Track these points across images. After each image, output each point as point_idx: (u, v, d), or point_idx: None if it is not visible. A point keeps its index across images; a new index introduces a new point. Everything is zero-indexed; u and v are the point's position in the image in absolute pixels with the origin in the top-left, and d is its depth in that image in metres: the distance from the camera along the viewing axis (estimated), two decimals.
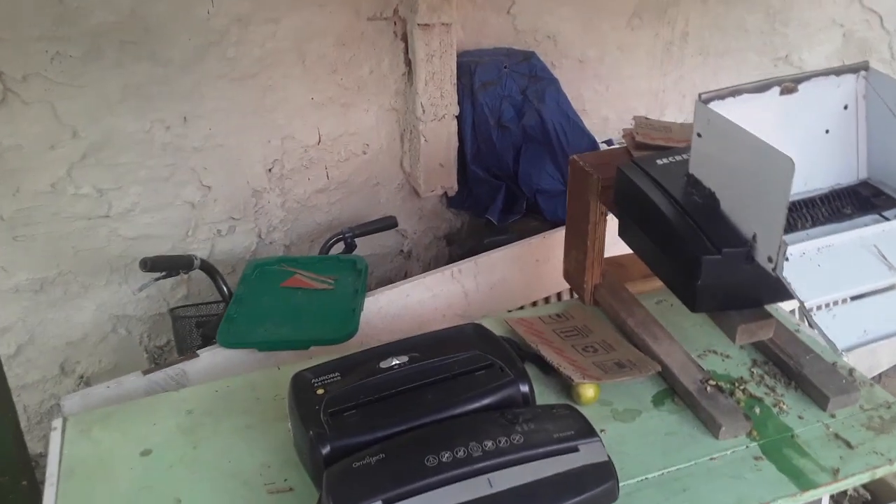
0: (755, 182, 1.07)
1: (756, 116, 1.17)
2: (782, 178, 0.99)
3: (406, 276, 2.71)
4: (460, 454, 1.07)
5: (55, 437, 1.34)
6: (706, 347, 1.48)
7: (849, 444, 1.23)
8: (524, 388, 1.24)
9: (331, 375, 1.27)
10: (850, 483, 1.19)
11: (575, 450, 1.09)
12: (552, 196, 2.30)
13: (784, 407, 1.32)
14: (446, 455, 1.06)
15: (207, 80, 2.19)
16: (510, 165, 2.33)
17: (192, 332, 2.13)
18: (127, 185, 2.23)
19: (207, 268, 1.97)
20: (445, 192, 2.48)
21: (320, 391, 1.23)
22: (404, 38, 2.31)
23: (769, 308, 1.21)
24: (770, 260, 1.06)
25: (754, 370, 1.41)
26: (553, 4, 2.53)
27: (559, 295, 2.18)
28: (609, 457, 1.08)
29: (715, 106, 1.16)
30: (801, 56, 3.00)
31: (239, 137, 2.29)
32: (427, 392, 1.23)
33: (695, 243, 1.12)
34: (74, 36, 2.01)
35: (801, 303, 1.03)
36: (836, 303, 1.06)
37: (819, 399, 1.31)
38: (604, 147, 2.42)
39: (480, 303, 2.04)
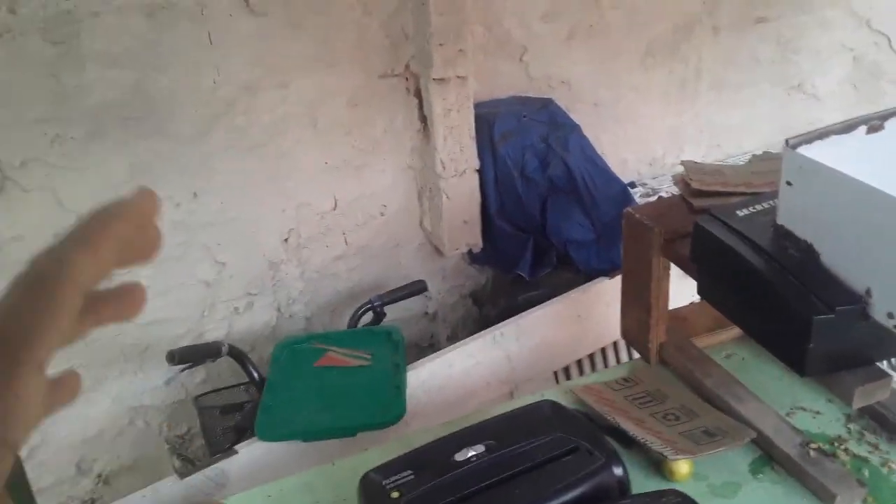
0: (866, 231, 0.97)
1: (844, 156, 1.08)
2: None
3: (432, 337, 2.60)
4: None
5: None
6: (793, 404, 1.38)
7: None
8: (619, 472, 1.12)
9: (403, 475, 1.15)
10: None
11: None
12: (584, 246, 2.21)
13: (894, 466, 1.21)
14: None
15: (216, 153, 2.09)
16: (537, 217, 2.25)
17: (220, 420, 2.00)
18: (136, 270, 2.10)
19: (236, 353, 1.85)
20: (469, 249, 2.39)
21: (395, 495, 1.11)
22: (417, 94, 2.24)
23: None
24: (891, 316, 0.96)
25: (850, 426, 1.31)
26: (565, 49, 2.47)
27: (603, 350, 2.08)
28: None
29: (804, 150, 1.07)
30: (813, 83, 2.97)
31: (252, 209, 2.19)
32: (513, 486, 1.11)
33: (802, 302, 1.02)
34: (75, 116, 1.91)
35: None
36: None
37: None
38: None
39: (525, 366, 1.94)
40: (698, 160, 2.80)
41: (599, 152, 2.36)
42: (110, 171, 1.99)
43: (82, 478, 2.25)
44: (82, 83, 1.88)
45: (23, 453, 2.08)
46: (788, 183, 1.08)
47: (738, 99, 2.86)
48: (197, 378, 2.30)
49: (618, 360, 2.15)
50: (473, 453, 1.16)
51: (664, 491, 1.06)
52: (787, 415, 1.34)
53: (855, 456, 1.24)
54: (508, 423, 1.24)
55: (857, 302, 1.00)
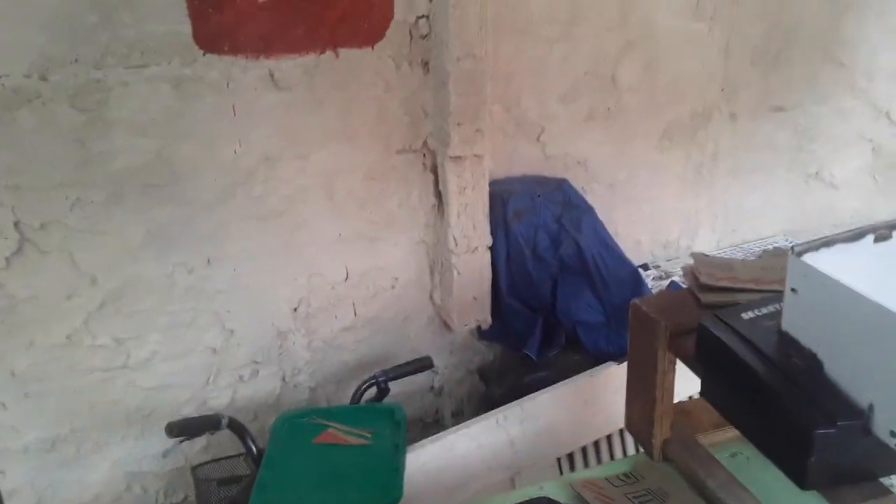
0: (869, 345, 0.95)
1: (850, 263, 1.07)
2: None
3: (437, 413, 2.56)
4: None
5: None
6: None
7: None
8: None
9: None
10: None
11: None
12: (593, 328, 2.19)
13: None
14: None
15: (233, 221, 2.11)
16: (547, 297, 2.23)
17: (216, 492, 1.96)
18: (146, 334, 2.11)
19: (236, 427, 1.83)
20: (479, 325, 2.37)
21: None
22: (433, 170, 2.26)
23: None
24: (893, 434, 0.93)
25: None
26: (582, 129, 2.50)
27: (609, 438, 2.04)
28: None
29: (809, 258, 1.06)
30: (831, 171, 2.97)
31: (264, 277, 2.20)
32: None
33: (804, 415, 1.00)
34: (97, 181, 1.93)
35: None
36: None
37: None
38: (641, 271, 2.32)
39: (527, 451, 1.90)
40: (713, 244, 2.80)
41: (613, 233, 2.36)
42: (127, 236, 2.01)
43: None
44: (107, 150, 1.91)
45: None
46: (793, 290, 1.07)
47: (754, 185, 2.85)
48: (197, 446, 2.27)
49: (624, 449, 2.10)
50: None
51: None
52: None
53: None
54: None
55: (860, 417, 0.98)
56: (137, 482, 2.24)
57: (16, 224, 1.89)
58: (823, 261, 1.06)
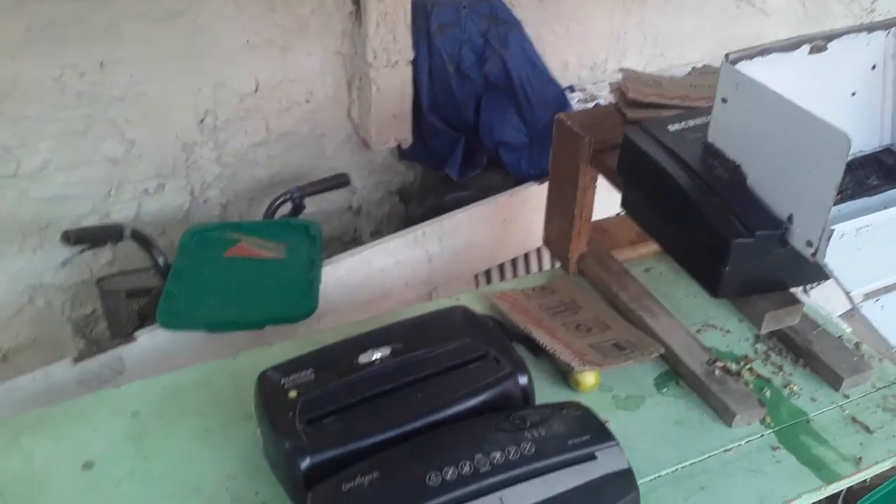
0: (795, 157, 0.94)
1: (783, 77, 1.04)
2: (834, 157, 0.87)
3: (356, 232, 2.53)
4: (466, 470, 0.94)
5: None
6: (704, 322, 1.38)
7: (867, 429, 1.16)
8: (523, 381, 1.11)
9: (302, 374, 1.11)
10: (873, 471, 1.12)
11: (592, 457, 0.97)
12: (516, 149, 2.15)
13: (795, 388, 1.23)
14: (450, 471, 0.93)
15: (126, 19, 1.91)
16: (470, 116, 2.16)
17: (124, 304, 1.91)
18: (36, 141, 1.95)
19: (140, 237, 1.74)
20: (399, 144, 2.29)
21: (292, 394, 1.07)
22: None
23: None
24: (809, 244, 0.94)
25: (758, 346, 1.32)
26: None
27: (526, 256, 2.06)
28: (629, 464, 0.97)
29: (743, 66, 1.02)
30: None
31: (165, 85, 2.03)
32: (415, 391, 1.08)
33: (722, 224, 0.99)
34: None
35: (847, 293, 0.92)
36: (882, 291, 0.96)
37: (831, 379, 1.23)
38: (566, 95, 2.26)
39: (445, 267, 1.90)
40: (639, 68, 2.74)
41: (540, 52, 2.27)
42: (7, 32, 1.80)
43: None
44: None
45: None
46: (723, 100, 1.04)
47: (685, 7, 2.77)
48: (103, 259, 2.18)
49: (540, 266, 2.14)
50: (378, 356, 1.12)
51: (566, 403, 1.05)
52: (698, 331, 1.35)
53: (759, 376, 1.26)
54: (418, 327, 1.20)
55: (778, 227, 0.98)
56: (40, 295, 2.16)
57: None
58: (757, 70, 1.02)
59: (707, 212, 1.01)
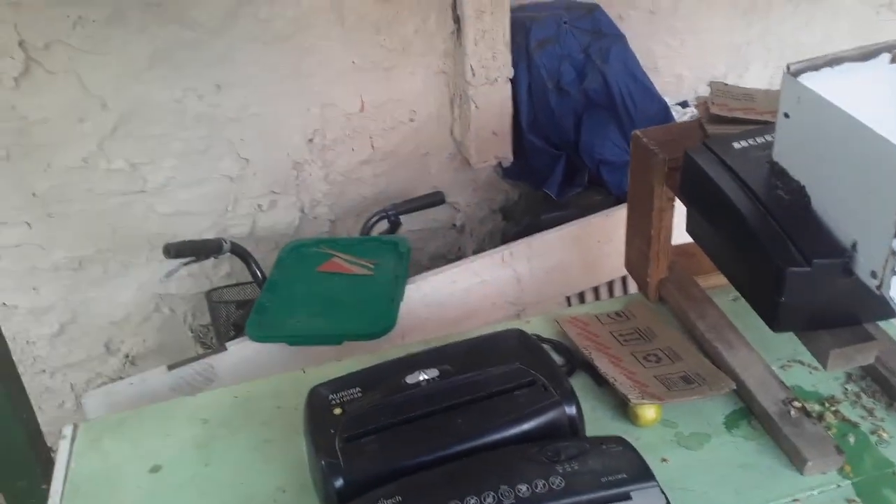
0: (860, 179, 0.85)
1: (860, 90, 0.93)
2: None
3: (459, 250, 2.54)
4: (489, 501, 0.91)
5: (63, 447, 1.23)
6: (791, 356, 1.26)
7: None
8: (571, 411, 1.06)
9: (350, 392, 1.12)
10: None
11: (626, 497, 0.91)
12: (618, 168, 2.07)
13: (884, 436, 1.10)
14: (472, 501, 0.90)
15: (240, 44, 2.04)
16: (570, 134, 2.11)
17: (233, 314, 2.02)
18: (161, 159, 2.12)
19: (239, 251, 1.84)
20: (500, 162, 2.28)
21: (338, 411, 1.09)
22: None
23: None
24: (874, 275, 0.84)
25: (848, 387, 1.19)
26: None
27: (624, 279, 1.98)
28: None
29: (808, 79, 0.93)
30: None
31: (276, 106, 2.15)
32: (457, 415, 1.06)
33: (778, 251, 0.91)
34: None
35: None
36: None
37: None
38: (678, 111, 2.16)
39: (535, 289, 1.86)
40: (765, 82, 2.58)
41: (652, 66, 2.19)
42: (132, 57, 1.97)
43: (111, 357, 2.35)
44: None
45: (53, 329, 2.18)
46: (786, 115, 0.95)
47: (816, 15, 2.56)
48: (221, 272, 2.33)
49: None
50: (425, 377, 1.12)
51: (608, 437, 1.00)
52: (782, 367, 1.24)
53: (844, 419, 1.14)
54: (471, 349, 1.18)
55: (841, 256, 0.88)
56: (166, 303, 2.33)
57: (20, 43, 1.87)
58: (825, 83, 0.93)
59: (763, 238, 0.93)
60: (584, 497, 0.90)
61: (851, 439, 1.10)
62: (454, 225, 2.48)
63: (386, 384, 1.12)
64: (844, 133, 0.86)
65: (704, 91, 2.54)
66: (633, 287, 2.01)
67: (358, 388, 1.12)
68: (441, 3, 2.11)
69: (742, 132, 1.08)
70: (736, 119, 1.30)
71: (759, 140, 1.05)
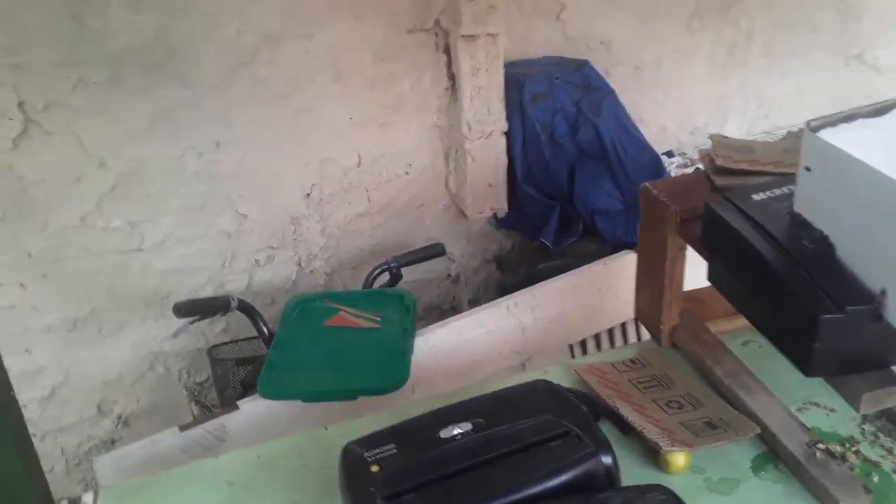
0: (886, 228, 0.89)
1: (873, 144, 0.99)
2: None
3: (454, 300, 2.56)
4: None
5: None
6: (806, 399, 1.30)
7: None
8: (607, 461, 1.07)
9: (385, 448, 1.12)
10: None
11: None
12: (611, 217, 2.13)
13: None
14: None
15: (239, 103, 2.06)
16: (564, 184, 2.17)
17: (233, 372, 2.00)
18: (159, 216, 2.11)
19: (246, 308, 1.84)
20: (495, 213, 2.32)
21: (374, 468, 1.08)
22: (446, 51, 2.16)
23: None
24: None
25: (865, 427, 1.23)
26: (606, 7, 2.35)
27: (623, 326, 2.02)
28: None
29: (826, 134, 0.98)
30: (875, 53, 2.78)
31: (274, 162, 2.17)
32: (495, 469, 1.07)
33: (811, 299, 0.95)
34: (96, 60, 1.89)
35: None
36: None
37: None
38: (664, 160, 2.23)
39: (539, 338, 1.89)
40: (743, 131, 2.68)
41: (638, 119, 2.26)
42: (132, 118, 1.98)
43: (103, 418, 2.30)
44: (104, 26, 1.86)
45: (45, 392, 2.14)
46: (807, 168, 1.00)
47: (790, 67, 2.69)
48: (217, 328, 2.31)
49: (639, 337, 2.08)
50: (459, 431, 1.12)
51: (650, 486, 1.01)
52: (799, 410, 1.28)
53: (865, 459, 1.17)
54: (500, 402, 1.19)
55: (871, 302, 0.92)
56: (160, 362, 2.30)
57: (20, 105, 1.87)
58: (842, 137, 0.98)
59: (794, 286, 0.97)
60: None
61: (875, 478, 1.14)
62: (449, 275, 2.51)
63: (420, 439, 1.12)
64: (868, 184, 0.91)
65: (687, 141, 2.65)
66: (632, 333, 2.05)
67: (392, 445, 1.13)
68: (435, 62, 2.17)
69: (759, 184, 1.13)
70: (741, 171, 1.36)
71: (777, 192, 1.10)
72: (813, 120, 0.99)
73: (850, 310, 0.92)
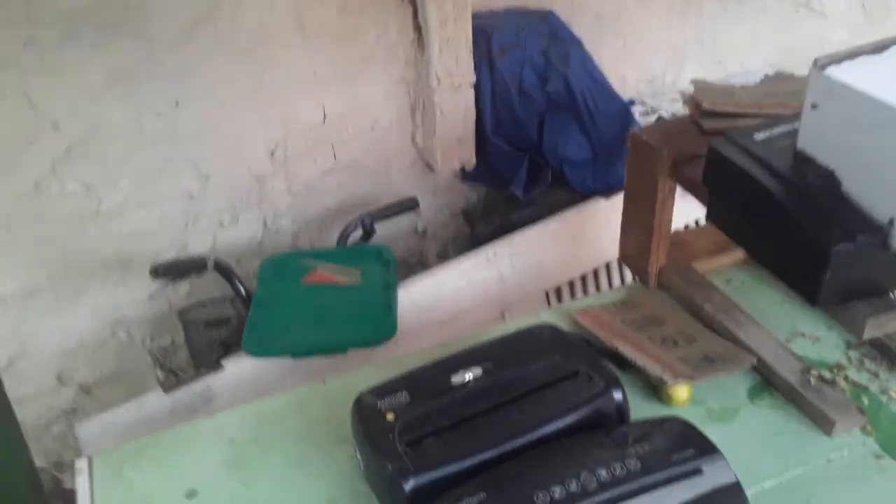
0: (894, 159, 0.93)
1: (874, 79, 1.02)
2: None
3: (421, 255, 2.56)
4: (573, 488, 0.93)
5: (83, 483, 1.17)
6: (792, 330, 1.36)
7: None
8: (618, 398, 1.10)
9: (398, 396, 1.12)
10: None
11: (699, 471, 0.96)
12: (580, 166, 2.15)
13: (894, 395, 1.20)
14: (558, 490, 0.93)
15: (199, 60, 1.98)
16: (534, 135, 2.17)
17: (205, 334, 1.96)
18: (117, 179, 2.03)
19: (222, 268, 1.80)
20: (462, 166, 2.32)
21: (390, 416, 1.08)
22: (412, 1, 2.12)
23: None
24: None
25: (850, 353, 1.29)
26: None
27: (595, 272, 2.05)
28: (737, 477, 0.96)
29: (831, 72, 1.01)
30: (821, 1, 2.86)
31: (237, 120, 2.10)
32: (511, 410, 1.09)
33: (821, 231, 0.98)
34: (48, 18, 1.79)
35: None
36: None
37: None
38: None
39: (517, 286, 1.91)
40: (702, 78, 2.72)
41: (600, 68, 2.27)
42: (88, 77, 1.88)
43: (63, 388, 2.23)
44: None
45: (1, 363, 2.06)
46: (814, 106, 1.03)
47: (742, 14, 2.74)
48: (180, 291, 2.25)
49: (610, 282, 2.13)
50: (471, 376, 1.13)
51: (665, 418, 1.05)
52: (787, 341, 1.33)
53: (855, 384, 1.23)
54: (506, 347, 1.20)
55: (879, 232, 0.96)
56: (122, 327, 2.23)
57: None
58: (846, 74, 1.01)
59: (804, 219, 1.00)
60: (661, 475, 0.95)
61: (865, 400, 1.20)
62: (416, 230, 2.50)
63: (433, 386, 1.12)
64: (877, 118, 0.94)
65: (646, 89, 2.68)
66: (603, 279, 2.09)
67: (405, 392, 1.13)
68: (401, 13, 2.13)
69: (760, 124, 1.15)
70: (727, 113, 1.39)
71: (777, 131, 1.13)
72: (819, 58, 1.02)
73: (860, 239, 0.96)
